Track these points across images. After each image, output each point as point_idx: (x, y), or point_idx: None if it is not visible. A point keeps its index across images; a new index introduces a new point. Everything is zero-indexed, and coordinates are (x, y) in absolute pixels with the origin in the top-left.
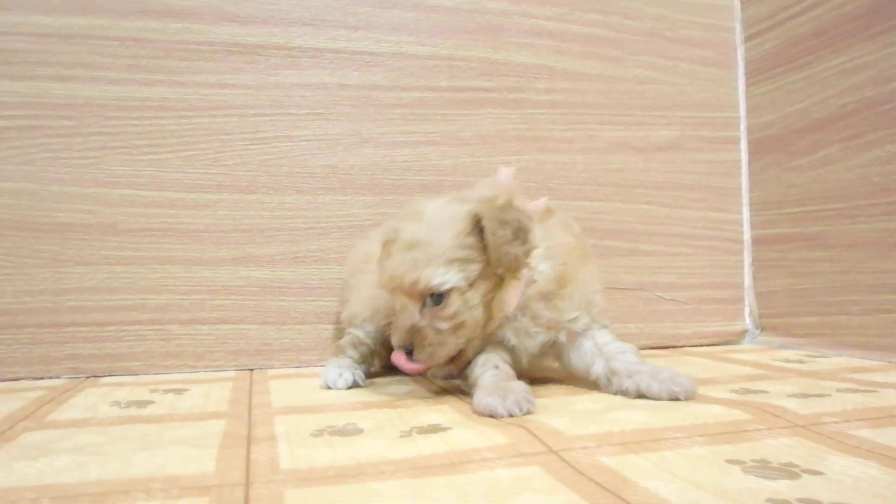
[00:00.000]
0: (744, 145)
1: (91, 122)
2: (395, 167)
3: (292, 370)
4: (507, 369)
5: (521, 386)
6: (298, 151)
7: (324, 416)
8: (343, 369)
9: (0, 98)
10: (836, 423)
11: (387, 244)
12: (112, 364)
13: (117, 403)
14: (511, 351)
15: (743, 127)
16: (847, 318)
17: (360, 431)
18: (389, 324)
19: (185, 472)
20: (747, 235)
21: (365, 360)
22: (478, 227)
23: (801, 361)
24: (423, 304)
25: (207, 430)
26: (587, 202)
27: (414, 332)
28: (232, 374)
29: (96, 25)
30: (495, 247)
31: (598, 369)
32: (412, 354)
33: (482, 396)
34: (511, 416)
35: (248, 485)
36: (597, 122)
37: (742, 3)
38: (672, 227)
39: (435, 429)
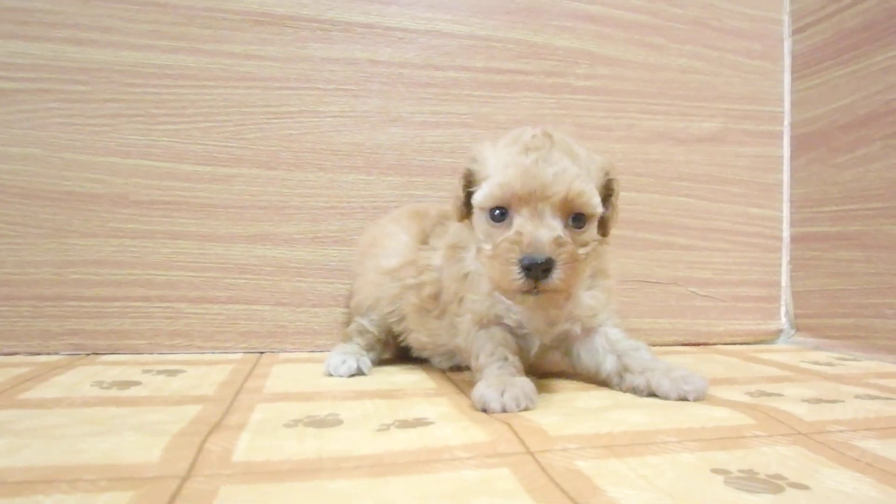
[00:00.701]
0: (787, 141)
1: (106, 88)
2: (425, 148)
3: (305, 354)
4: (516, 362)
5: (525, 382)
6: (324, 128)
7: (310, 405)
8: (347, 356)
9: (12, 59)
10: (842, 431)
11: (529, 147)
12: (115, 341)
13: (100, 384)
14: (522, 338)
15: (787, 122)
16: (882, 321)
17: (339, 423)
18: (392, 312)
19: (128, 461)
20: (786, 233)
21: (372, 348)
22: (606, 177)
23: (830, 364)
24: (566, 223)
25: (179, 415)
26: (623, 192)
27: (558, 245)
28: (239, 356)
29: None
30: (615, 204)
31: (609, 366)
32: (546, 275)
33: (481, 387)
34: (505, 411)
35: (186, 478)
36: (637, 111)
37: None
38: (710, 221)
39: (419, 423)
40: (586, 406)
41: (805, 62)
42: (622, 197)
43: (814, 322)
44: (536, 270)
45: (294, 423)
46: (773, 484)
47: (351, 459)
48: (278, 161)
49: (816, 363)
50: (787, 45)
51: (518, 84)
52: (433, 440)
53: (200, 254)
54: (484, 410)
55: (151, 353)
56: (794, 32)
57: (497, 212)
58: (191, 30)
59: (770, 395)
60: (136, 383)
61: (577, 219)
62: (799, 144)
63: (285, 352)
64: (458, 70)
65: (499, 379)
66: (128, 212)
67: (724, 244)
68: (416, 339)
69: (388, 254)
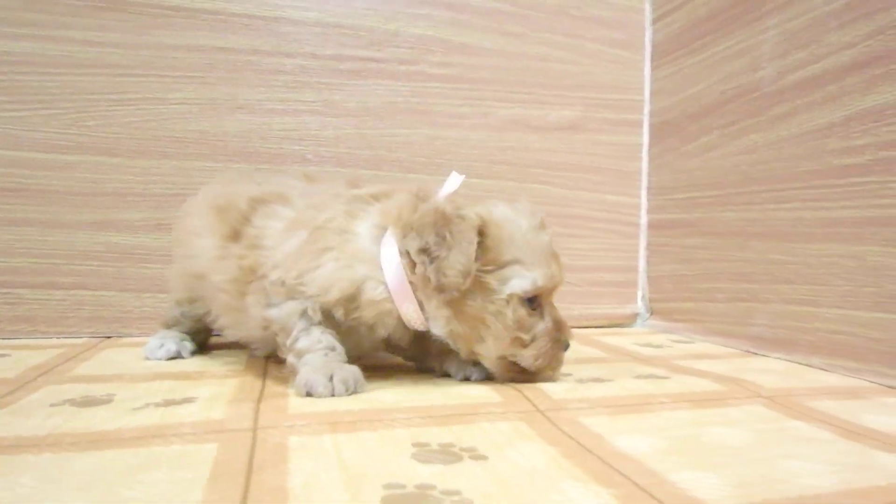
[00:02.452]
0: (646, 129)
1: None
2: (272, 136)
3: (148, 339)
4: (342, 353)
5: (353, 368)
6: (168, 115)
7: (98, 386)
8: (167, 340)
9: None
10: (579, 409)
11: (549, 234)
12: None
13: None
14: (366, 336)
15: (646, 110)
16: (714, 305)
17: (107, 402)
18: (207, 312)
19: None
20: (643, 220)
21: (197, 334)
22: None
23: (660, 346)
24: None
25: None
26: (478, 180)
27: None
28: (83, 340)
29: None
30: None
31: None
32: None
33: (307, 373)
34: (333, 395)
35: None
36: (493, 99)
37: None
38: (568, 208)
39: (182, 402)
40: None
41: (663, 51)
42: (478, 185)
43: (665, 306)
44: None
45: (61, 403)
46: (456, 455)
47: (76, 436)
48: (121, 148)
49: (649, 346)
50: (648, 34)
51: (370, 71)
52: (172, 418)
53: (43, 241)
54: (309, 395)
55: None
56: (655, 21)
57: (532, 300)
58: (29, 15)
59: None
60: None
61: None
62: (656, 133)
63: (131, 336)
64: (307, 57)
65: (326, 365)
66: None
67: (581, 231)
68: (234, 334)
69: (194, 254)
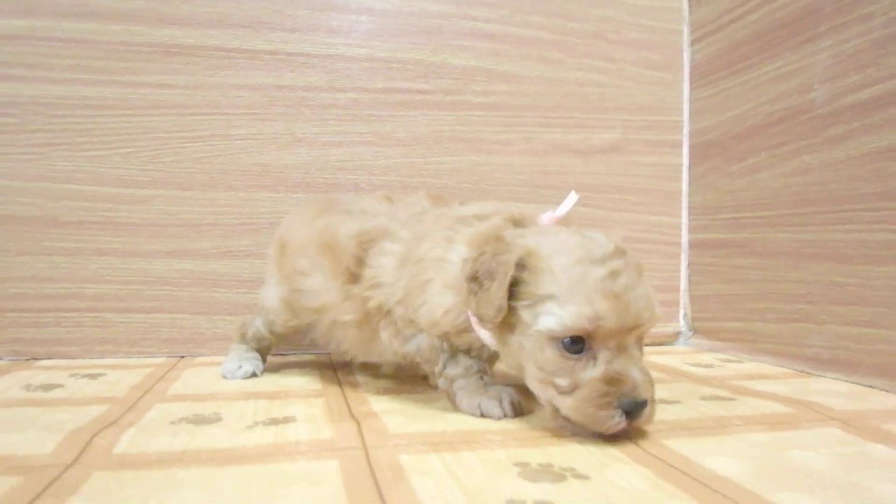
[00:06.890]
0: (686, 149)
1: (34, 119)
2: (329, 166)
3: (220, 358)
4: (490, 373)
5: (512, 389)
6: (233, 150)
7: (200, 405)
8: (243, 361)
9: None
10: (659, 431)
11: (613, 270)
12: (51, 348)
13: (28, 387)
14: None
15: (686, 131)
16: (764, 324)
17: (218, 420)
18: (316, 333)
19: (24, 453)
20: (685, 239)
21: (269, 348)
22: None
23: (710, 366)
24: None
25: (84, 414)
26: (524, 205)
27: (648, 379)
28: (161, 360)
29: (39, 27)
30: None
31: None
32: (637, 412)
33: (474, 399)
34: (506, 417)
35: (69, 466)
36: (536, 125)
37: (690, 5)
38: (610, 230)
39: (285, 420)
40: (443, 406)
41: (702, 72)
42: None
43: (709, 325)
44: (637, 412)
45: (178, 421)
46: (559, 475)
47: (210, 452)
48: (193, 182)
49: (699, 365)
50: (686, 56)
51: (417, 102)
52: (286, 436)
53: (125, 269)
54: (484, 416)
55: (83, 359)
56: (693, 42)
57: (570, 341)
58: (108, 63)
59: None
60: (59, 386)
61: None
62: (697, 153)
63: (203, 356)
64: (359, 91)
65: (487, 390)
66: (58, 232)
67: None
68: (359, 358)
69: (304, 290)
